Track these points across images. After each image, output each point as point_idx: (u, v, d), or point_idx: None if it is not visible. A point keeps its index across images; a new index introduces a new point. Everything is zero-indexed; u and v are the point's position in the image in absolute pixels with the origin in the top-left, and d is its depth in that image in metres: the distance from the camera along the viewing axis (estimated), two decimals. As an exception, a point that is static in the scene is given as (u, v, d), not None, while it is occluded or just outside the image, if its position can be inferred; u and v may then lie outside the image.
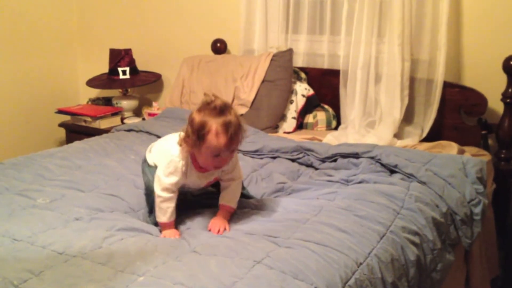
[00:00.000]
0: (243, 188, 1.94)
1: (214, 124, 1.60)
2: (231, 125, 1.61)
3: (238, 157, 1.84)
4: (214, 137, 1.60)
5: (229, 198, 1.79)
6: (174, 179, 1.70)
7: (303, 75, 3.04)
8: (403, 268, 1.61)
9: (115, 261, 1.43)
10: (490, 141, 2.65)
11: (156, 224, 1.77)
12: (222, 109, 1.62)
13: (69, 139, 3.32)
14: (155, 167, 1.79)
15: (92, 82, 3.58)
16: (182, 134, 1.68)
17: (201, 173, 1.75)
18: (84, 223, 1.70)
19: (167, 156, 1.72)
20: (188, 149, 1.68)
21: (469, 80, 2.69)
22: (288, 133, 2.86)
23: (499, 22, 2.58)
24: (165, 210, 1.71)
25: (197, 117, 1.62)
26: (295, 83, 2.98)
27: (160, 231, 1.73)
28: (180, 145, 1.68)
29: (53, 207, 1.80)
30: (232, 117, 1.63)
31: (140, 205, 1.92)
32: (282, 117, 2.92)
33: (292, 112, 2.92)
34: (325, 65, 3.02)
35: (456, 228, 1.93)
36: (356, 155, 2.22)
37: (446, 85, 2.63)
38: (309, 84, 3.02)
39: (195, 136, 1.61)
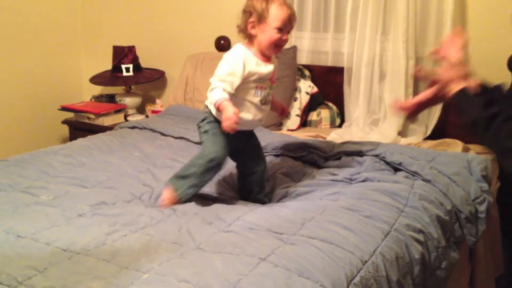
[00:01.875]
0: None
1: None
2: (288, 1, 1.83)
3: None
4: (278, 8, 1.77)
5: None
6: (234, 73, 1.78)
7: (307, 72, 3.04)
8: (407, 266, 1.61)
9: (119, 258, 1.43)
10: (494, 139, 2.64)
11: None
12: None
13: (73, 136, 3.32)
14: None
15: (96, 79, 3.57)
16: (240, 26, 1.84)
17: (265, 63, 1.85)
18: (87, 219, 1.70)
19: (224, 58, 1.83)
20: (250, 35, 1.82)
21: (474, 78, 2.68)
22: (292, 130, 2.85)
23: (504, 20, 2.57)
24: (221, 92, 1.75)
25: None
26: (299, 80, 2.97)
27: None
28: (241, 31, 1.83)
29: (57, 204, 1.80)
30: None
31: (143, 190, 1.97)
32: (286, 115, 2.91)
33: (296, 109, 2.91)
34: (329, 63, 3.01)
35: (461, 226, 1.92)
36: (360, 153, 2.21)
37: (451, 83, 2.62)
38: (313, 81, 3.01)
39: (259, 13, 1.77)
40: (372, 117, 2.78)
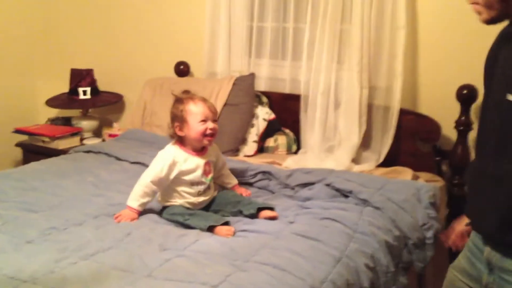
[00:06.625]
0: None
1: (189, 99, 2.02)
2: (206, 99, 2.06)
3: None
4: (193, 105, 2.00)
5: (231, 178, 2.25)
6: (163, 169, 1.95)
7: (264, 99, 3.08)
8: (358, 293, 1.64)
9: (68, 286, 1.41)
10: (443, 167, 2.72)
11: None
12: (196, 96, 2.06)
13: (26, 160, 3.25)
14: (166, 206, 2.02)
15: (52, 102, 3.52)
16: (170, 132, 2.04)
17: (199, 157, 2.02)
18: (36, 245, 1.67)
19: (155, 158, 2.00)
20: (179, 136, 2.01)
21: (424, 108, 2.77)
22: (249, 156, 2.87)
23: (453, 53, 2.67)
24: (142, 199, 1.95)
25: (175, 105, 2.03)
26: (256, 107, 3.00)
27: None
28: (172, 136, 2.03)
29: (5, 230, 1.76)
30: None
31: (95, 211, 1.97)
32: (243, 141, 2.93)
33: (253, 135, 2.94)
34: (287, 90, 3.06)
35: (409, 252, 1.97)
36: (312, 183, 2.25)
37: (402, 112, 2.69)
38: (271, 108, 3.05)
39: (180, 115, 1.98)
40: (327, 144, 2.82)
